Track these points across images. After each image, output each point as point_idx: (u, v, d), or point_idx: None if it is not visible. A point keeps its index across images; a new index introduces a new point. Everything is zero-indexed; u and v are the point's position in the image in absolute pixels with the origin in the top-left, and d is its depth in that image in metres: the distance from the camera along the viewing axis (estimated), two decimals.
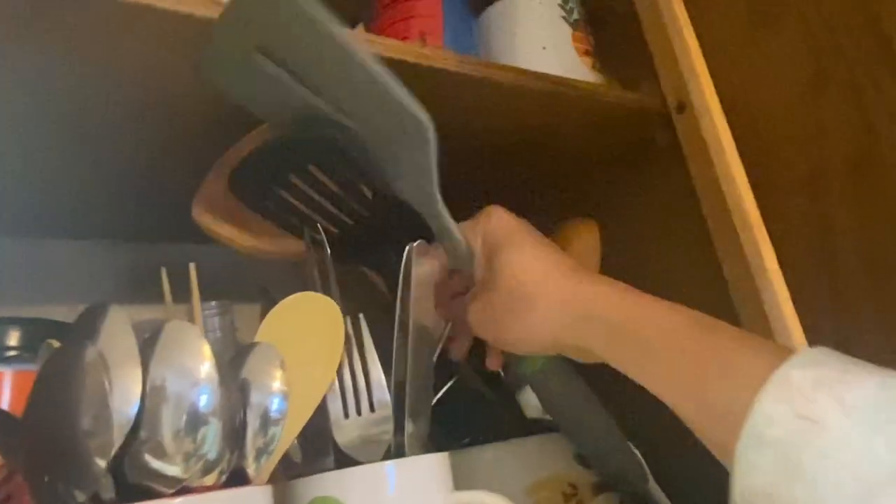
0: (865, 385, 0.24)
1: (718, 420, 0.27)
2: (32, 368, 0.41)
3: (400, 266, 0.38)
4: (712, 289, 0.47)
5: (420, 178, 0.35)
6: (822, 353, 0.26)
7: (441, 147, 0.36)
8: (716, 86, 0.49)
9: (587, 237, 0.53)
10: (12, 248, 0.50)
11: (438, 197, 0.36)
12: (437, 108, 0.35)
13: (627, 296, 0.33)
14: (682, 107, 0.50)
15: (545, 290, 0.35)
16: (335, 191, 0.40)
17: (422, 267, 0.36)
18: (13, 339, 0.43)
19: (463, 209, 0.40)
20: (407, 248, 0.35)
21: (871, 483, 0.22)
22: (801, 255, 0.46)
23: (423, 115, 0.33)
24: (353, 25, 0.54)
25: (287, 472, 0.35)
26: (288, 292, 0.37)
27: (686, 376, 0.29)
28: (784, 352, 0.27)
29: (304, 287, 0.38)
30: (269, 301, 0.54)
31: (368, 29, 0.54)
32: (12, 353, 0.43)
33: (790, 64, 0.47)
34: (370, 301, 0.42)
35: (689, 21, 0.51)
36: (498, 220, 0.38)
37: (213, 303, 0.47)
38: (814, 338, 0.45)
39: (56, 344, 0.32)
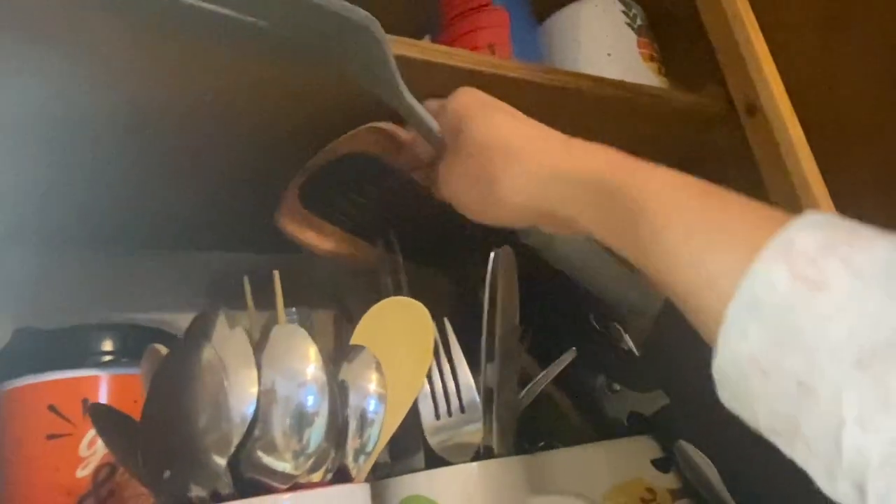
0: (876, 247, 0.22)
1: (712, 287, 0.24)
2: (126, 372, 0.43)
3: (470, 267, 0.39)
4: None
5: (379, 69, 0.34)
6: (829, 218, 0.24)
7: None
8: (786, 87, 0.49)
9: None
10: (100, 260, 0.53)
11: (399, 82, 0.35)
12: None
13: (624, 160, 0.30)
14: (753, 110, 0.50)
15: (525, 147, 0.32)
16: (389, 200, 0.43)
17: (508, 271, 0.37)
18: (108, 344, 0.45)
19: None
20: (493, 253, 0.36)
21: (874, 346, 0.20)
22: None
23: (364, 18, 0.32)
24: (419, 37, 0.55)
25: (374, 472, 0.36)
26: (360, 299, 0.39)
27: (684, 243, 0.26)
28: (792, 218, 0.24)
29: (376, 291, 0.39)
30: (342, 308, 0.56)
31: (435, 41, 0.55)
32: (108, 357, 0.45)
33: (864, 64, 0.47)
34: (442, 304, 0.43)
35: (755, 23, 0.51)
36: (468, 95, 0.36)
37: (293, 309, 0.48)
38: None
39: (162, 348, 0.34)
